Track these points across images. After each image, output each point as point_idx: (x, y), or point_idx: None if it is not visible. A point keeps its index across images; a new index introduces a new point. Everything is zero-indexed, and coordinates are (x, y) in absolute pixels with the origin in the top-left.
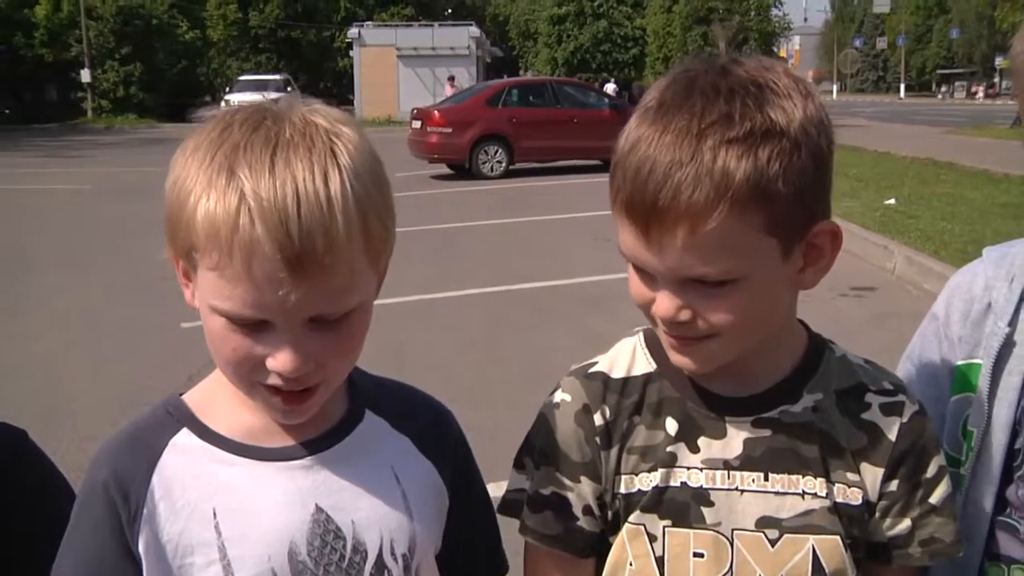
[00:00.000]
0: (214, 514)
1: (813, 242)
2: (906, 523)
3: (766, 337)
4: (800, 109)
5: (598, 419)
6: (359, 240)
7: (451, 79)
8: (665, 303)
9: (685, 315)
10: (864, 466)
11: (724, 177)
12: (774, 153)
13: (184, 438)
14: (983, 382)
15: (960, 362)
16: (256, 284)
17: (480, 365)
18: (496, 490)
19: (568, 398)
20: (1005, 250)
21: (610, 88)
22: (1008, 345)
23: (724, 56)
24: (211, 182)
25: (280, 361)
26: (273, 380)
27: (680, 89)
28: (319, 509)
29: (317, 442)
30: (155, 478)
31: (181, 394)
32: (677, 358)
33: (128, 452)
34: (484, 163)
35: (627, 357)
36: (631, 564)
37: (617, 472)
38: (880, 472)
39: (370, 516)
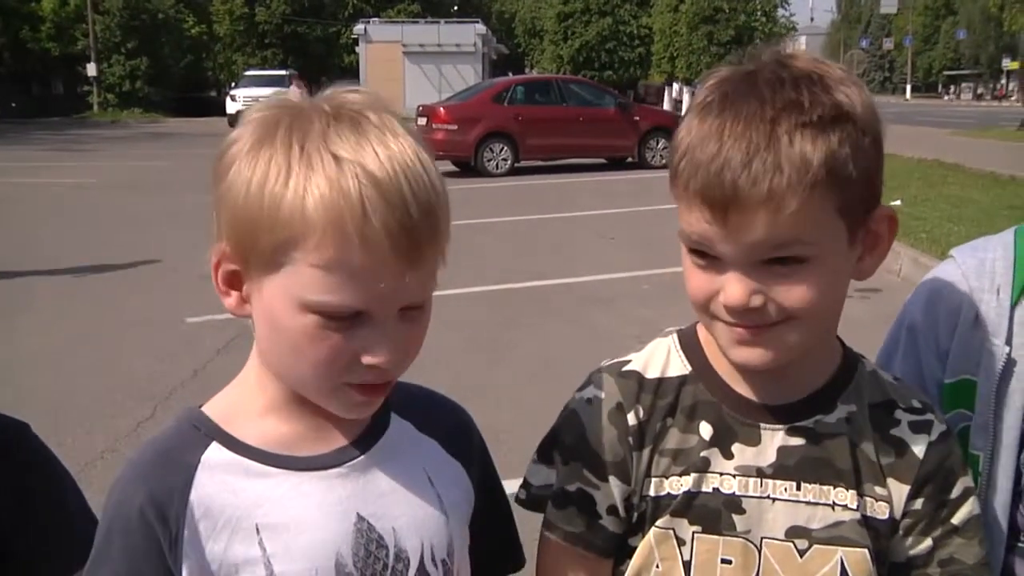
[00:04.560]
0: (257, 530)
1: (872, 228)
2: (927, 542)
3: (824, 334)
4: (858, 95)
5: (631, 419)
6: (449, 222)
7: (292, 79)
8: (736, 288)
9: (757, 300)
10: (891, 481)
11: (802, 161)
12: (844, 136)
13: (215, 452)
14: (984, 404)
15: (949, 379)
16: (375, 271)
17: (485, 363)
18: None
19: (601, 395)
20: (980, 256)
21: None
22: (1008, 365)
23: (775, 53)
24: (313, 167)
25: (380, 354)
26: (365, 377)
27: (741, 82)
28: (360, 518)
29: (350, 448)
30: (193, 497)
31: (200, 406)
32: (743, 352)
33: (161, 472)
34: (489, 161)
35: (662, 358)
36: (657, 567)
37: (647, 474)
38: (906, 489)
39: (410, 523)
